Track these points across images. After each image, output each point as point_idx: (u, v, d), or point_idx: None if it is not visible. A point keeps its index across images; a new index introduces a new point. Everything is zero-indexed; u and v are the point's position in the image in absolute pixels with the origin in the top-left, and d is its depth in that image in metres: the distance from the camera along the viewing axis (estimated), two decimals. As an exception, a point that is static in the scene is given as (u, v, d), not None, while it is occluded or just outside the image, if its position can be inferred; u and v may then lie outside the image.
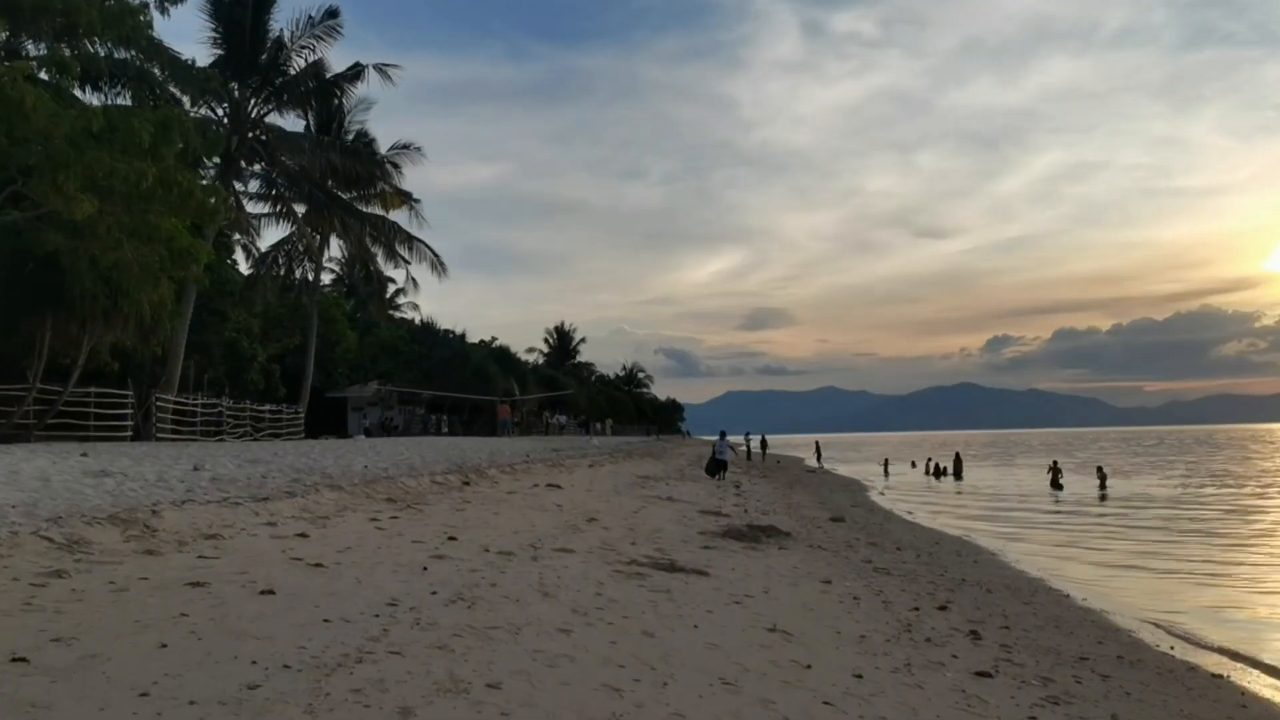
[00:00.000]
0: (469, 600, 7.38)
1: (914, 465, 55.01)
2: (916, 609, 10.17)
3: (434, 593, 7.48)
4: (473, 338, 75.58)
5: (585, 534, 12.79)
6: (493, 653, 5.92)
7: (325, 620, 6.15)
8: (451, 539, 10.60)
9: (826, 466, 60.72)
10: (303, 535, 9.75)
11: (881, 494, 35.11)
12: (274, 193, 36.27)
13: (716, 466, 32.89)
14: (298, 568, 8.00)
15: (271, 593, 6.82)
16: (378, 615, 6.47)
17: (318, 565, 8.12)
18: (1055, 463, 39.26)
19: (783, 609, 9.15)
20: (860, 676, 6.75)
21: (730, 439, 36.77)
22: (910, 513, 26.28)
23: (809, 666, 6.81)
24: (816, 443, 69.73)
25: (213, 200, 20.74)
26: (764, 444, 67.05)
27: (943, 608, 10.42)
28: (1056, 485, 36.70)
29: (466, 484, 18.59)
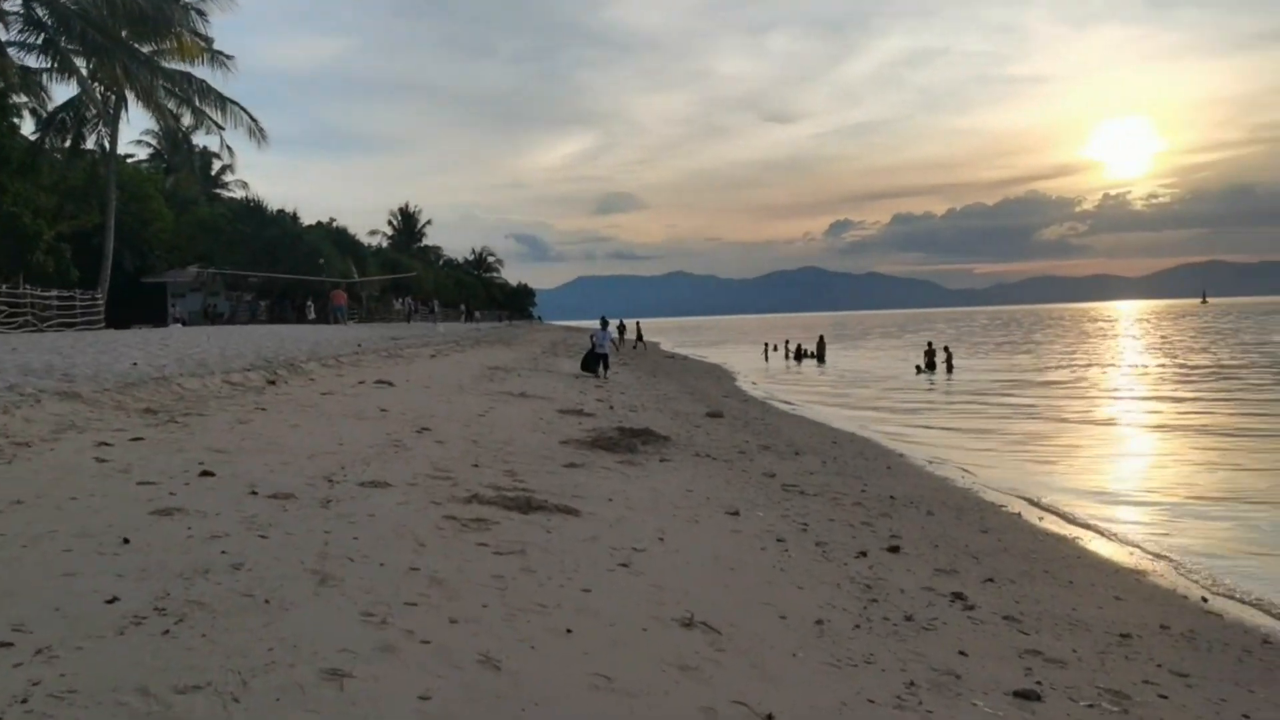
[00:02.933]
0: (174, 614, 4.19)
1: (775, 349, 53.49)
2: (864, 553, 7.51)
3: (111, 600, 4.26)
4: (314, 220, 70.02)
5: (412, 452, 9.64)
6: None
7: None
8: (206, 474, 7.28)
9: (684, 352, 58.89)
10: (-49, 482, 6.29)
11: (755, 384, 32.95)
12: (44, 38, 30.35)
13: (595, 361, 26.71)
14: (-126, 558, 4.63)
15: None
16: (-62, 688, 3.24)
17: (-81, 550, 4.76)
18: (930, 344, 38.01)
19: (692, 572, 6.30)
20: (859, 732, 3.95)
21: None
22: (789, 403, 24.03)
23: (769, 719, 3.95)
24: (637, 324, 63.89)
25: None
26: (622, 329, 64.19)
27: (893, 549, 7.79)
28: (930, 367, 35.42)
29: (271, 383, 15.08)
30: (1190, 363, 36.90)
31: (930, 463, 14.01)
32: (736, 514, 8.59)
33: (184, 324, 44.10)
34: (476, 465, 9.33)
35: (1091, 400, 24.43)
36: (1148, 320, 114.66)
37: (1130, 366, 36.91)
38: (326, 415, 11.86)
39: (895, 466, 13.34)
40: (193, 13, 36.13)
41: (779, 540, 7.67)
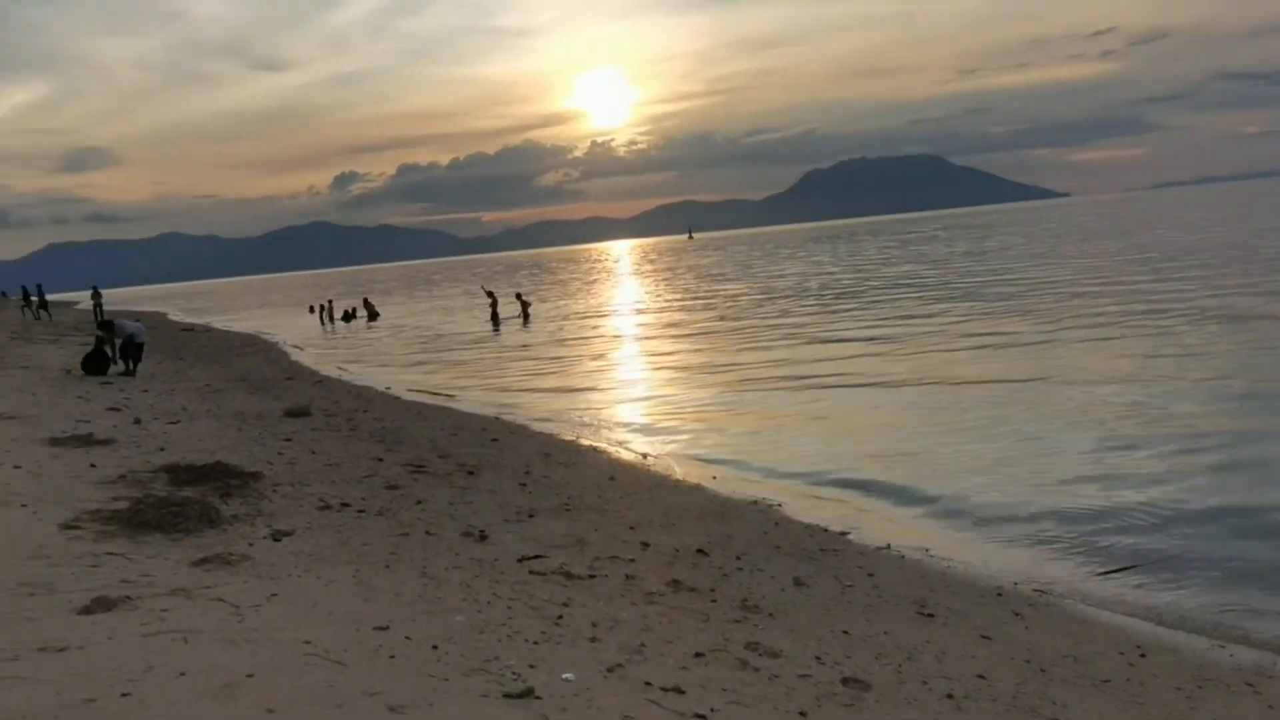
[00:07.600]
0: None
1: (311, 310, 46.79)
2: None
3: None
4: None
5: None
6: None
7: None
8: None
9: (206, 323, 50.10)
10: None
11: (306, 351, 26.89)
12: None
13: (106, 357, 17.58)
14: None
15: None
16: None
17: None
18: (493, 297, 34.09)
19: None
20: None
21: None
22: (378, 382, 18.70)
23: None
24: (39, 286, 47.28)
25: None
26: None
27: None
28: (495, 322, 31.65)
29: None
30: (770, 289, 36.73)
31: (715, 478, 9.71)
32: None
33: None
34: None
35: (721, 341, 22.06)
36: (653, 257, 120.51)
37: (694, 300, 35.90)
38: None
39: (660, 484, 9.00)
40: None
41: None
